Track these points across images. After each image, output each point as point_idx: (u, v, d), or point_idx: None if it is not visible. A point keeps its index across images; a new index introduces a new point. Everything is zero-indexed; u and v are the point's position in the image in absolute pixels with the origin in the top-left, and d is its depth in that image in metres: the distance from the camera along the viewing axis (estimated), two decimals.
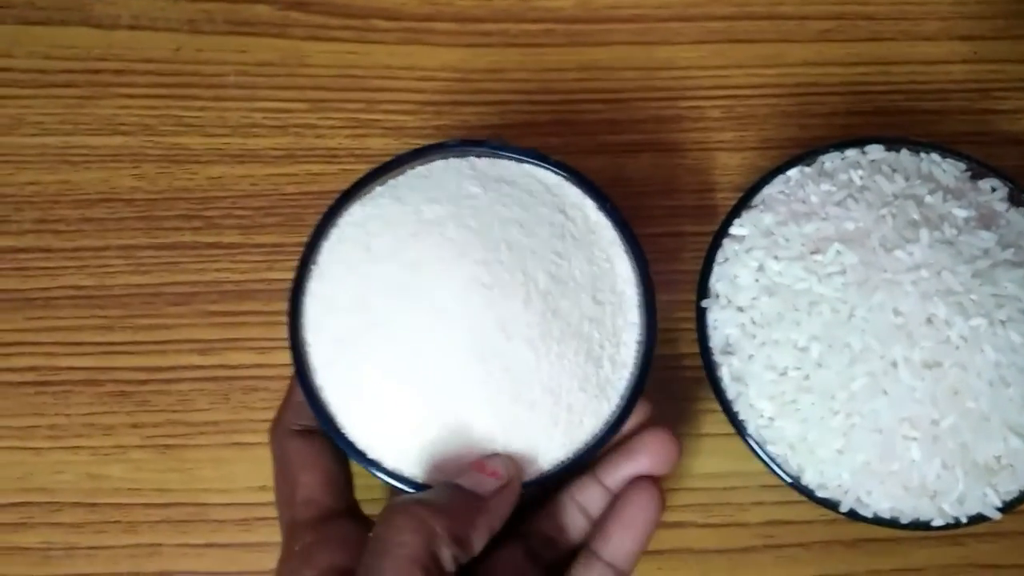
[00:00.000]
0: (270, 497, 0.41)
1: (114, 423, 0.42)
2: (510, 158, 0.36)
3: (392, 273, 0.33)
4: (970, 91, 0.47)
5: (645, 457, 0.34)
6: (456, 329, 0.32)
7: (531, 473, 0.33)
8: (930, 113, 0.46)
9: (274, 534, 0.40)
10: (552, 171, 0.36)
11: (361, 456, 0.33)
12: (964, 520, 0.34)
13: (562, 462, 0.33)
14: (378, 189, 0.36)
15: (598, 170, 0.45)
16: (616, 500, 0.34)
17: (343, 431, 0.33)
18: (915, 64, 0.47)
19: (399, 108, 0.47)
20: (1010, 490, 0.34)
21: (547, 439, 0.33)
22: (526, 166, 0.36)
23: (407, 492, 0.32)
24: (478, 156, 0.36)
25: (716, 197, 0.45)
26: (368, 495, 0.36)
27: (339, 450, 0.34)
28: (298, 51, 0.47)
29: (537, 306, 0.32)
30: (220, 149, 0.46)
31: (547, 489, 0.35)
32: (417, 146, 0.36)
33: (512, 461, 0.32)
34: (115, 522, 0.41)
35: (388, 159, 0.36)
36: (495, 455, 0.32)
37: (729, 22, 0.48)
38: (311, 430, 0.34)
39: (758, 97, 0.47)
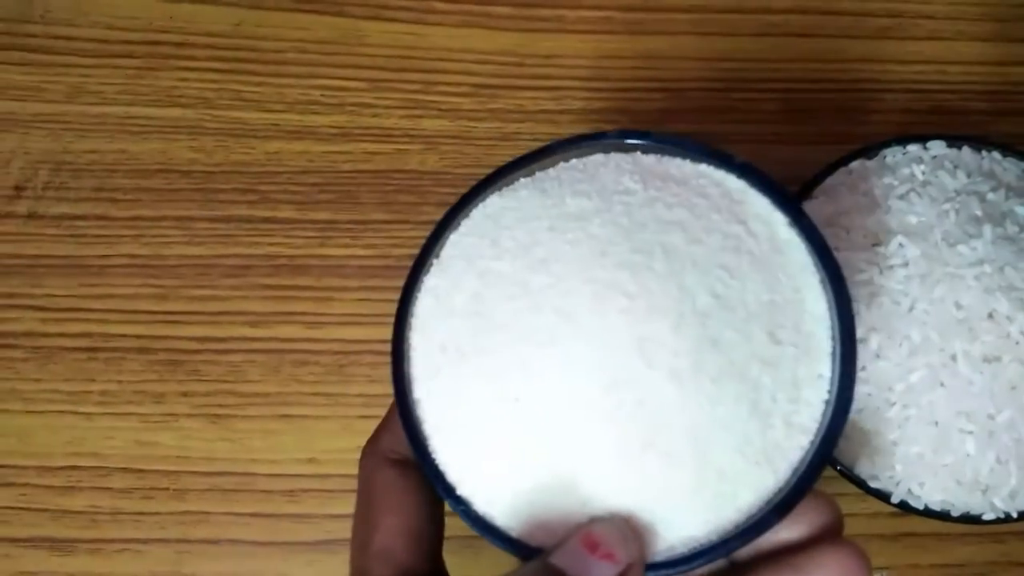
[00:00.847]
0: (317, 469, 0.42)
1: (165, 391, 0.43)
2: (685, 156, 0.29)
3: (516, 271, 0.27)
4: None
5: None
6: (582, 343, 0.25)
7: (658, 553, 0.25)
8: (985, 113, 0.46)
9: (320, 506, 0.41)
10: (735, 174, 0.29)
11: (449, 492, 0.26)
12: (1015, 515, 0.34)
13: (702, 545, 0.25)
14: (522, 180, 0.30)
15: None
16: None
17: (433, 457, 0.27)
18: (972, 64, 0.47)
19: (455, 90, 0.47)
20: None
21: (685, 509, 0.25)
22: (703, 167, 0.29)
23: (493, 543, 0.26)
24: (644, 152, 0.30)
25: None
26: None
27: (435, 491, 0.27)
28: (357, 30, 0.48)
29: (691, 331, 0.25)
30: (277, 125, 0.46)
31: None
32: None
33: (633, 535, 0.24)
34: (163, 489, 0.42)
35: (538, 147, 0.30)
36: (609, 522, 0.24)
37: (787, 16, 0.48)
38: (408, 461, 0.28)
39: (814, 91, 0.47)
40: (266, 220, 0.45)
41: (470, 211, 0.30)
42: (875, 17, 0.48)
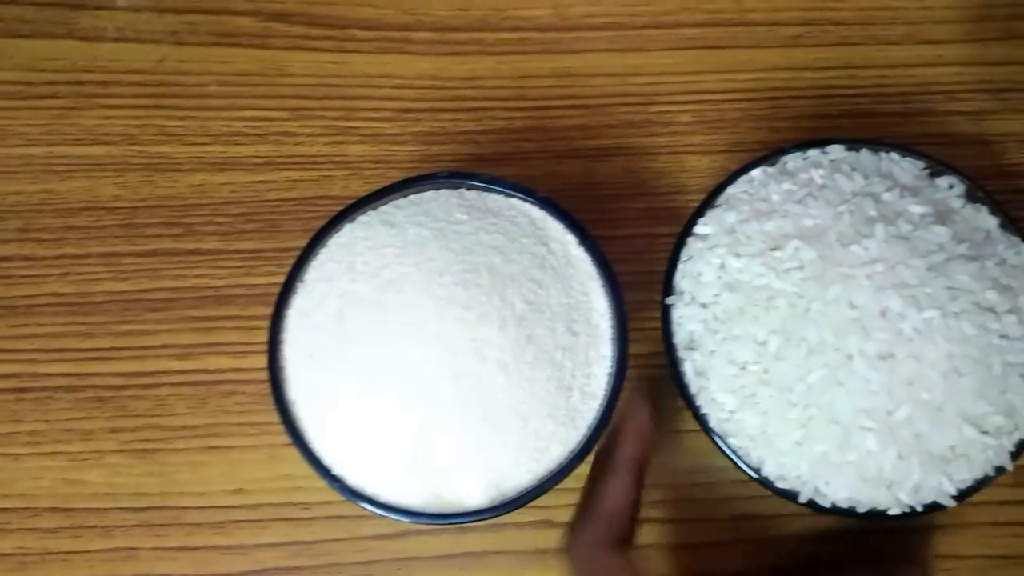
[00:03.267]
0: (245, 500, 0.42)
1: (92, 428, 0.43)
2: (498, 191, 0.37)
3: (371, 291, 0.33)
4: (935, 93, 0.47)
5: None
6: (430, 348, 0.32)
7: (494, 498, 0.33)
8: (895, 115, 0.47)
9: (249, 536, 0.41)
10: (537, 206, 0.37)
11: (325, 472, 0.33)
12: (920, 509, 0.35)
13: (526, 488, 0.33)
14: (369, 213, 0.37)
15: (571, 174, 0.46)
16: None
17: (310, 446, 0.34)
18: (882, 68, 0.48)
19: (377, 115, 0.47)
20: (964, 479, 0.34)
21: (513, 464, 0.33)
22: (513, 200, 0.37)
23: (368, 510, 0.33)
24: (468, 188, 0.37)
25: (686, 199, 0.45)
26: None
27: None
28: (279, 61, 0.48)
29: (512, 331, 0.33)
30: (201, 157, 0.47)
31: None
32: (410, 174, 0.38)
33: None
34: (91, 527, 0.41)
35: (380, 187, 0.37)
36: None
37: (702, 29, 0.49)
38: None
39: (729, 101, 0.47)
40: (191, 252, 0.45)
41: (327, 241, 0.36)
42: (787, 26, 0.49)
